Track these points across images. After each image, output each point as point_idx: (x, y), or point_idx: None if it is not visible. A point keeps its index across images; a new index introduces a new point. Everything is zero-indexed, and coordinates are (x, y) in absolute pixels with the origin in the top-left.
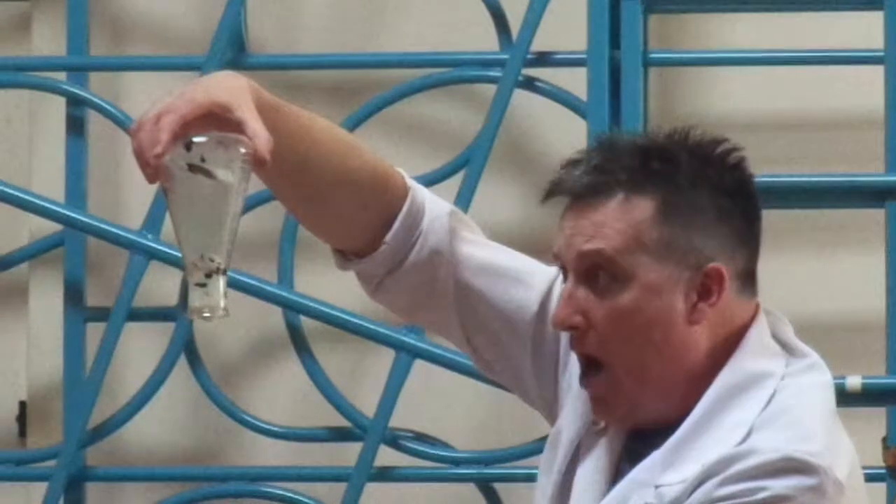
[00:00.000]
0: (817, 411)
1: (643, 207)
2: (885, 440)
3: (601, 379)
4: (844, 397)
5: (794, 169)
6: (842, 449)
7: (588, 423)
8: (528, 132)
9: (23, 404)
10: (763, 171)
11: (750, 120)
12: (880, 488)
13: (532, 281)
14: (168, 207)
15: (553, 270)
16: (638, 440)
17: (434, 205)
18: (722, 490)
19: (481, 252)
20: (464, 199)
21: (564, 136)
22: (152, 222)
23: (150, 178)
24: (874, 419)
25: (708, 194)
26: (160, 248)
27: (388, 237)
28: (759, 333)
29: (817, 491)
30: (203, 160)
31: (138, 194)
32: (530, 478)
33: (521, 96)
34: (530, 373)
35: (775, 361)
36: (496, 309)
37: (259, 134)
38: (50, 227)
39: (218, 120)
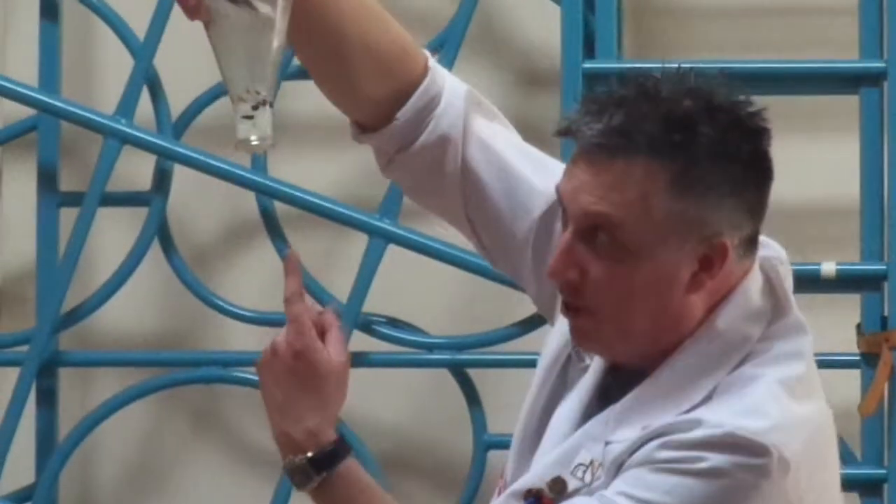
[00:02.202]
0: (781, 382)
1: (657, 178)
2: (859, 326)
3: (585, 321)
4: (819, 284)
5: (768, 55)
6: (798, 424)
7: (573, 354)
8: (503, 16)
9: None
10: (738, 57)
11: (724, 6)
12: (855, 374)
13: (539, 183)
14: (211, 43)
15: (560, 172)
16: (614, 380)
17: (453, 90)
18: (662, 453)
19: (493, 143)
20: None
21: (539, 20)
22: (126, 107)
23: (192, 14)
24: (849, 305)
25: (724, 167)
26: (134, 132)
27: (401, 112)
28: (744, 293)
29: (758, 470)
30: None
31: (112, 79)
32: (504, 363)
33: None
34: (531, 274)
35: (754, 323)
36: (499, 207)
37: None
38: (23, 112)
39: None
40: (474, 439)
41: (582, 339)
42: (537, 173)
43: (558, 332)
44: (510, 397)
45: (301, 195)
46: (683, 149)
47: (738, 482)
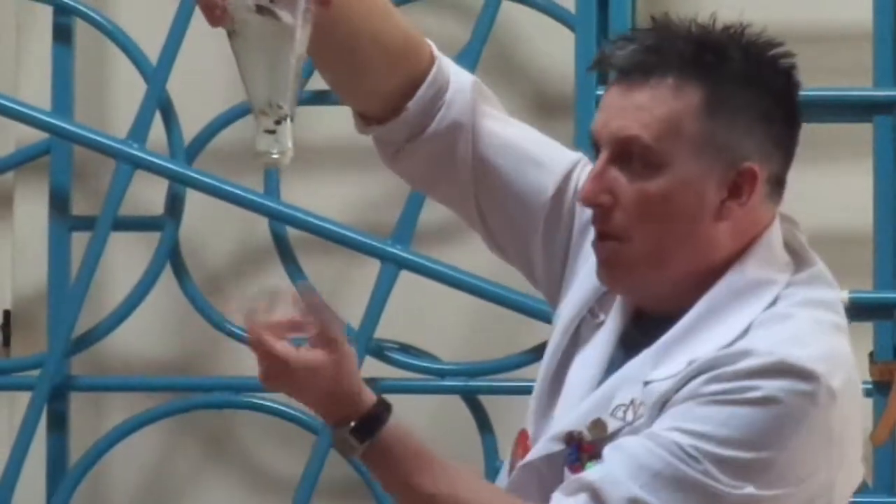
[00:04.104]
0: (813, 321)
1: (689, 96)
2: (871, 355)
3: (616, 247)
4: None
5: None
6: (839, 359)
7: (586, 313)
8: (516, 44)
9: (7, 313)
10: None
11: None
12: (867, 403)
13: (551, 164)
14: (234, 54)
15: (575, 155)
16: (635, 329)
17: (459, 77)
18: (711, 386)
19: (502, 129)
20: None
21: (552, 47)
22: (138, 131)
23: (216, 22)
24: (861, 334)
25: (754, 94)
26: (146, 156)
27: (412, 102)
28: (770, 240)
29: (808, 396)
30: (271, 0)
31: (125, 103)
32: (516, 390)
33: (508, 7)
34: (539, 256)
35: (780, 270)
36: (512, 188)
37: None
38: (36, 136)
39: None
40: (486, 466)
41: (613, 269)
42: (548, 154)
43: (571, 303)
44: (522, 424)
45: (313, 220)
46: (715, 71)
47: (789, 409)
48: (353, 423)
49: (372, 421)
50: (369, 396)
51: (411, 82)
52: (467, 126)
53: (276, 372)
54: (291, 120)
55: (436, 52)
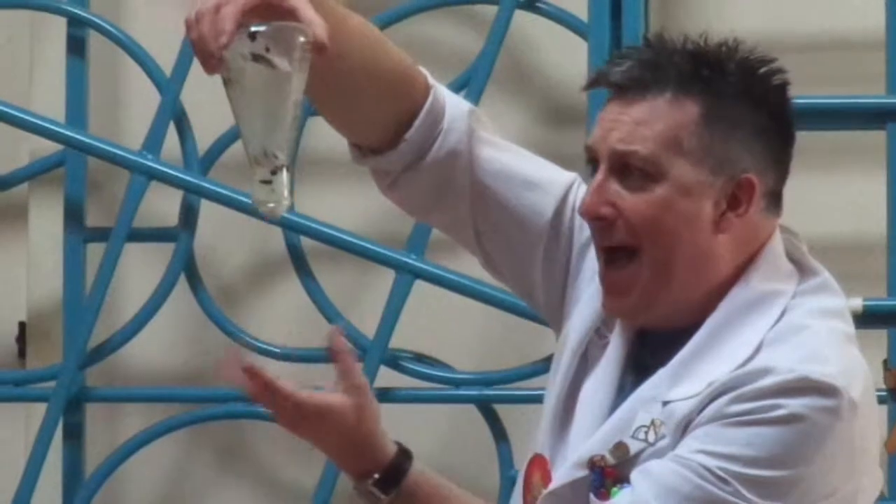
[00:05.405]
0: (828, 332)
1: (687, 110)
2: (886, 362)
3: (623, 268)
4: None
5: (794, 91)
6: (856, 369)
7: (593, 333)
8: (529, 53)
9: (22, 325)
10: None
11: (751, 41)
12: (881, 410)
13: (549, 186)
14: (229, 101)
15: (570, 176)
16: (642, 349)
17: (455, 104)
18: (735, 407)
19: (499, 154)
20: None
21: (565, 57)
22: (152, 142)
23: (212, 70)
24: (876, 341)
25: (750, 109)
26: (160, 168)
27: (409, 133)
28: (772, 252)
29: (832, 412)
30: (267, 50)
31: (138, 114)
32: (531, 399)
33: (522, 17)
34: (540, 279)
35: (786, 281)
36: (511, 212)
37: (315, 21)
38: (50, 148)
39: (268, 9)
40: (501, 475)
41: (618, 294)
42: (545, 177)
43: (577, 324)
44: (535, 437)
45: (328, 231)
46: (712, 85)
47: (814, 425)
48: (376, 476)
49: (395, 472)
50: (390, 446)
51: (407, 112)
52: (464, 153)
53: (290, 411)
54: (288, 169)
55: (430, 80)
